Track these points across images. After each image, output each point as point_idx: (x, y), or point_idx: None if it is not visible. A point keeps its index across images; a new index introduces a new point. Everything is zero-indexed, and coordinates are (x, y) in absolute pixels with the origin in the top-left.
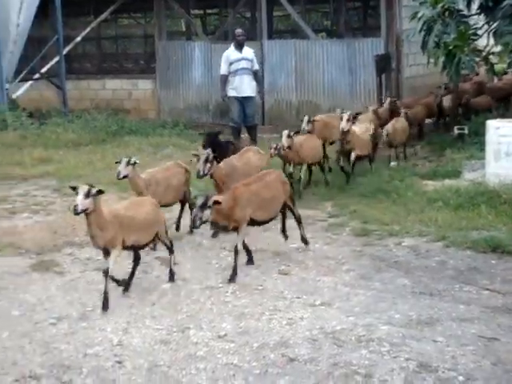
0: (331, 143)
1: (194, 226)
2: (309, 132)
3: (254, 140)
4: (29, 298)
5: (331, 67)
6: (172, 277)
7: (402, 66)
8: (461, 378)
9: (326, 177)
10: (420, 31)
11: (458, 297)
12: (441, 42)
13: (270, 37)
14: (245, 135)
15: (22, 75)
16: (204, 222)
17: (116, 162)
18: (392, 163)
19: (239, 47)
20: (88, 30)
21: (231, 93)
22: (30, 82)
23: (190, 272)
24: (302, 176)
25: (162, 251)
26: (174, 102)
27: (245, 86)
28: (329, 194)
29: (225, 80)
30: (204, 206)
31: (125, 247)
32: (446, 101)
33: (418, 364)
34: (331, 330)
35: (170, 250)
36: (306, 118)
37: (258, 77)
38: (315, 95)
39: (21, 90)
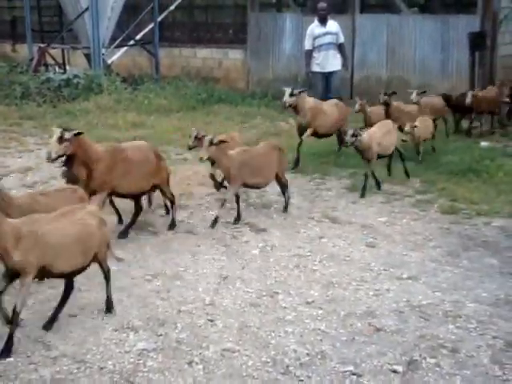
0: None
1: None
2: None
3: None
4: (126, 255)
5: (423, 43)
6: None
7: (497, 44)
8: None
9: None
10: None
11: None
12: None
13: (362, 11)
14: None
15: (117, 41)
16: None
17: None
18: (482, 143)
19: (323, 21)
20: None
21: (316, 68)
22: (125, 48)
23: (278, 239)
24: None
25: (251, 218)
26: (263, 73)
27: (329, 61)
28: (417, 170)
29: (310, 55)
30: None
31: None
32: None
33: (506, 343)
34: (418, 303)
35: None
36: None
37: (343, 50)
38: (405, 71)
39: (115, 56)
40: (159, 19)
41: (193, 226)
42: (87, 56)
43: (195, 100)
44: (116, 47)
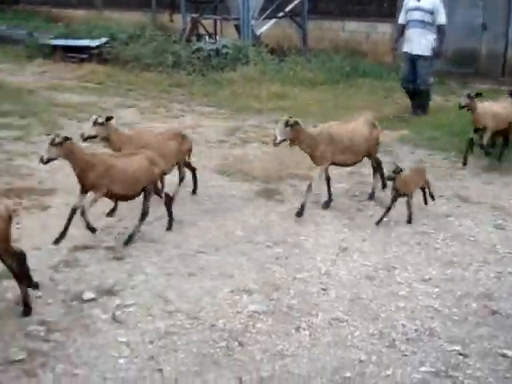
0: None
1: None
2: None
3: (419, 108)
4: (252, 221)
5: None
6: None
7: None
8: None
9: None
10: None
11: None
12: None
13: None
14: None
15: (266, 13)
16: None
17: None
18: None
19: None
20: None
21: (404, 47)
22: (274, 20)
23: (403, 215)
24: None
25: (379, 192)
26: None
27: (414, 42)
28: None
29: (400, 30)
30: None
31: None
32: None
33: None
34: None
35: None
36: None
37: (440, 33)
38: None
39: (264, 27)
40: None
41: (320, 197)
42: (237, 27)
43: (339, 73)
44: (265, 18)
